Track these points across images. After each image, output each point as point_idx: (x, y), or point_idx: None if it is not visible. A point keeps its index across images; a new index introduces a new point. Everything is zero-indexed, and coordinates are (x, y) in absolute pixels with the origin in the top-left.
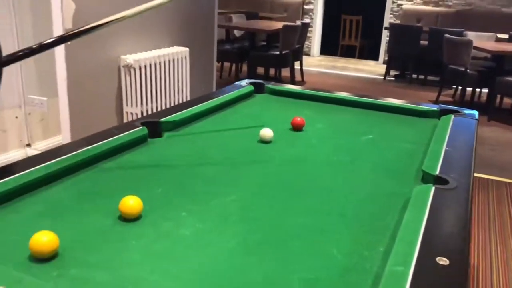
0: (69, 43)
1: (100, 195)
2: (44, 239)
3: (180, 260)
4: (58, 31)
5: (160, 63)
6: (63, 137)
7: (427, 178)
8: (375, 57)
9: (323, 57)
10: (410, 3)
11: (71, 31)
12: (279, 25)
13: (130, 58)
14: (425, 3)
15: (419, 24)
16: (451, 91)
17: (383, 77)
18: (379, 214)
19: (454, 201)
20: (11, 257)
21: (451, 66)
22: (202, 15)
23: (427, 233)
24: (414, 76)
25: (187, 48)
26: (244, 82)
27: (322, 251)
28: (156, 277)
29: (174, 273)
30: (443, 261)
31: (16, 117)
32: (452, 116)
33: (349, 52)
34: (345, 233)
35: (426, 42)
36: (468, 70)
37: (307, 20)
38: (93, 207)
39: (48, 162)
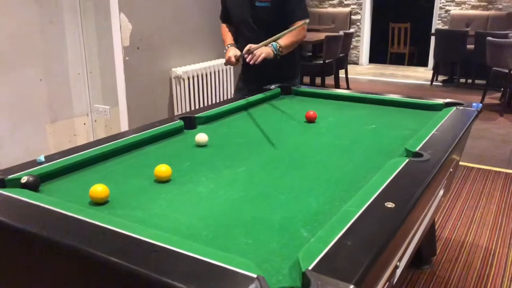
0: (127, 58)
1: (142, 167)
2: (99, 189)
3: (194, 206)
4: (118, 49)
5: (206, 74)
6: None
7: (408, 154)
8: (424, 64)
9: (372, 65)
10: (458, 8)
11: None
12: (323, 36)
13: (179, 70)
14: (473, 8)
15: (467, 29)
16: (499, 94)
17: (430, 83)
18: (358, 179)
19: (421, 169)
20: (77, 201)
21: (495, 68)
22: None
23: (386, 188)
24: (462, 80)
25: None
26: (273, 86)
27: (302, 202)
28: (176, 214)
29: (190, 212)
30: (390, 204)
31: (84, 124)
32: (454, 108)
33: (398, 60)
34: (325, 192)
35: (473, 46)
36: None
37: (352, 30)
38: (136, 174)
39: (105, 144)
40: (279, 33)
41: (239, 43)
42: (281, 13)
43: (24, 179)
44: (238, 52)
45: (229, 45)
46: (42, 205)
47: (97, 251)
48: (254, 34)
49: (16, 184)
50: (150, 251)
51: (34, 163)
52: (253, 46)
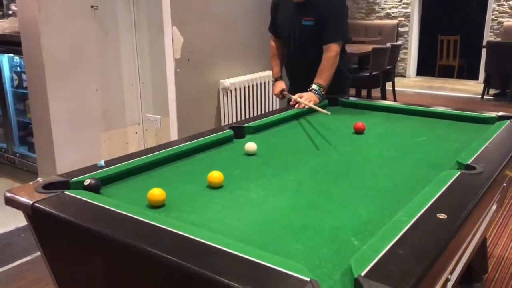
0: (178, 70)
1: (195, 173)
2: (157, 193)
3: (246, 211)
4: (170, 61)
5: (252, 85)
6: None
7: (460, 167)
8: (474, 77)
9: (419, 78)
10: None
11: None
12: (370, 48)
13: (227, 82)
14: None
15: None
16: None
17: (480, 96)
18: (408, 190)
19: (473, 182)
20: (136, 203)
21: None
22: None
23: (438, 199)
24: None
25: None
26: None
27: (351, 211)
28: (228, 219)
29: (241, 217)
30: (442, 216)
31: (136, 132)
32: (508, 121)
33: (447, 72)
34: (375, 202)
35: None
36: None
37: (399, 42)
38: (190, 180)
39: (160, 151)
40: (321, 49)
41: (286, 58)
42: (323, 32)
43: (87, 182)
44: (283, 87)
45: (274, 79)
46: (105, 206)
47: (157, 250)
48: (299, 50)
49: (79, 186)
50: (207, 252)
51: (95, 167)
52: (300, 98)
